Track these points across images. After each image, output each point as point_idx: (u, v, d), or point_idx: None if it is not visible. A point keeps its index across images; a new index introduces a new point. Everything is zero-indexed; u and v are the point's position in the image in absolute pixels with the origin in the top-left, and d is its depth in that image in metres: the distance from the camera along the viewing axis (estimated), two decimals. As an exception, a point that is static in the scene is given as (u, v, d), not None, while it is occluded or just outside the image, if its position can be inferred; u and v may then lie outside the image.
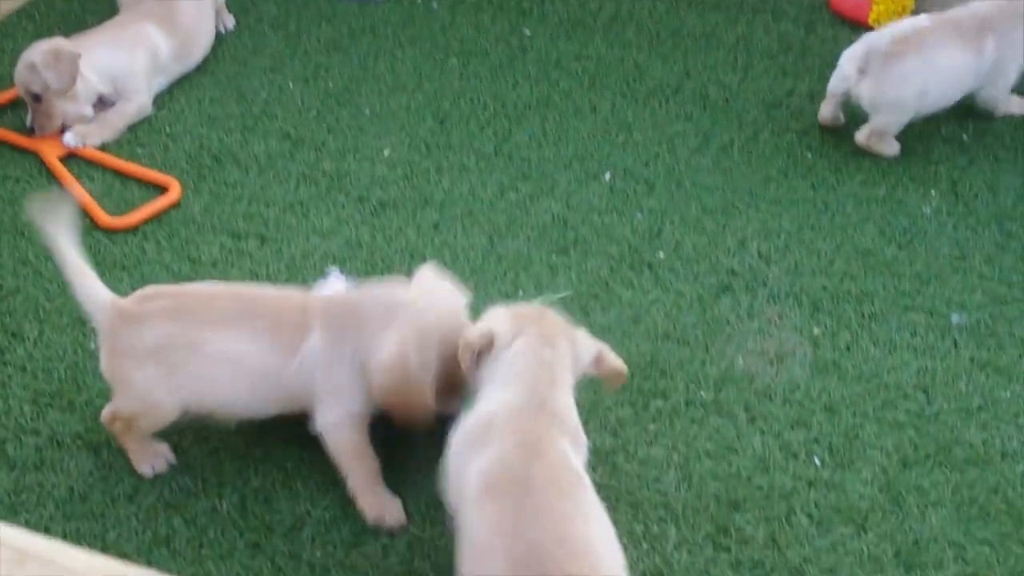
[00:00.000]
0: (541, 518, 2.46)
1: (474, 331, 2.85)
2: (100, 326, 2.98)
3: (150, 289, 3.08)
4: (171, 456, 3.12)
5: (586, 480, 2.63)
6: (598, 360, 2.89)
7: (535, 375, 2.73)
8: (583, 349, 2.88)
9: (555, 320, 2.89)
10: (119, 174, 4.11)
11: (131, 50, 4.35)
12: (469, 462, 2.61)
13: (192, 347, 2.95)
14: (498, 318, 2.88)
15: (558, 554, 2.40)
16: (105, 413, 3.05)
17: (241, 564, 2.89)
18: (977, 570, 2.88)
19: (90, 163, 4.16)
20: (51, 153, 4.15)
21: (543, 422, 2.65)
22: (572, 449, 2.66)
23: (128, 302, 2.98)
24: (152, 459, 3.09)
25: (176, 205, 3.95)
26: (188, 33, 4.52)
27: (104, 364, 3.00)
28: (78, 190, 3.98)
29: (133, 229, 3.85)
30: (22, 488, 3.06)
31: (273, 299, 3.08)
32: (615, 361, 2.91)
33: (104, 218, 3.86)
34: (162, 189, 3.97)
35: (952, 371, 3.40)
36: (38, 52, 4.14)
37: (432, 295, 3.04)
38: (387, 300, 3.00)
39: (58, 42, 4.20)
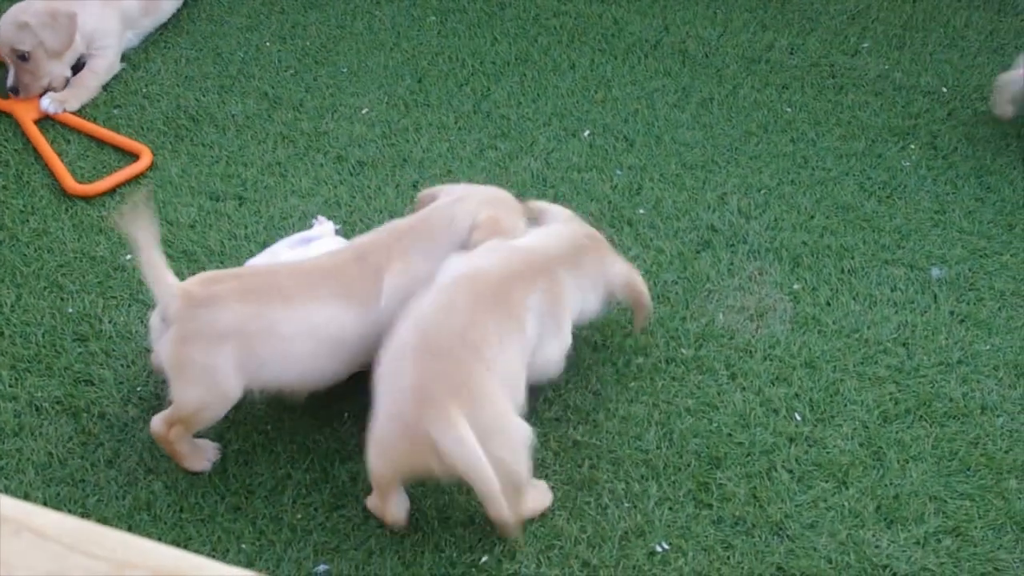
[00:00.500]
0: (462, 317, 2.77)
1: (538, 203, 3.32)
2: (169, 312, 2.83)
3: (211, 273, 3.00)
4: (217, 445, 3.06)
5: (528, 328, 2.87)
6: (628, 286, 3.15)
7: (559, 246, 3.05)
8: (614, 270, 3.14)
9: (599, 239, 3.19)
10: (93, 139, 4.07)
11: (103, 6, 4.31)
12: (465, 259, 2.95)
13: (270, 326, 2.88)
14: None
15: (455, 343, 2.71)
16: (159, 422, 2.92)
17: (222, 528, 2.89)
18: (958, 523, 2.89)
19: (65, 127, 4.12)
20: (26, 116, 4.11)
21: (539, 265, 2.96)
22: (540, 309, 2.91)
23: (195, 287, 2.87)
24: (204, 454, 3.03)
25: (145, 173, 3.91)
26: None
27: (170, 352, 2.86)
28: (50, 154, 3.95)
29: (107, 193, 3.82)
30: (3, 453, 3.05)
31: (328, 263, 3.05)
32: (641, 287, 3.17)
33: (72, 184, 3.81)
34: (134, 156, 3.93)
35: (932, 325, 3.39)
36: (32, 12, 4.09)
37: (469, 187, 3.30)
38: (440, 211, 3.13)
39: (51, 2, 4.14)
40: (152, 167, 3.92)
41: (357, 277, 3.00)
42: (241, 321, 2.85)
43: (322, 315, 2.93)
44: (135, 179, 3.88)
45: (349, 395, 3.16)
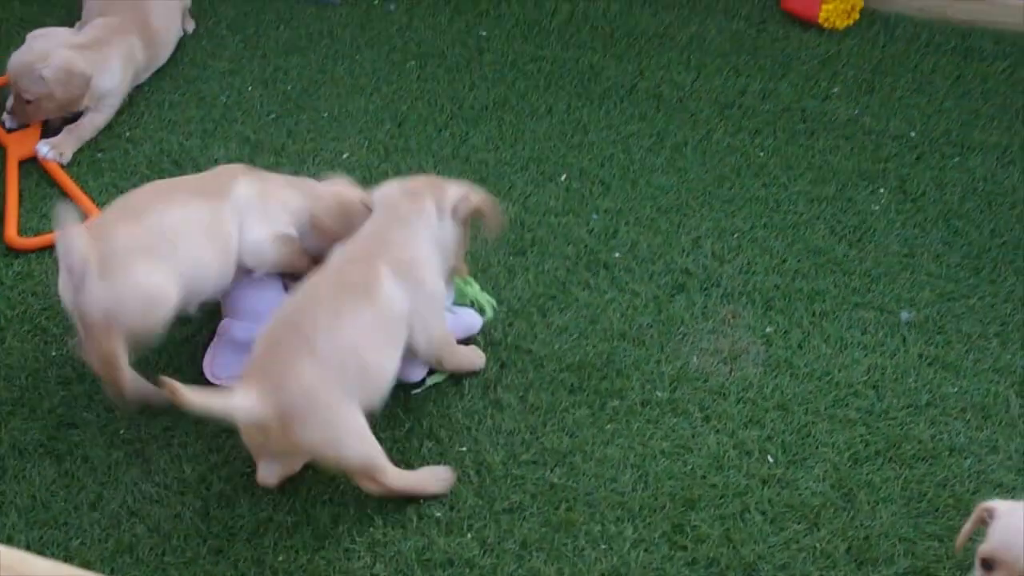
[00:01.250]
0: (296, 306, 3.01)
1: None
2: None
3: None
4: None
5: (381, 301, 3.01)
6: (463, 201, 3.22)
7: (384, 218, 3.19)
8: (447, 197, 3.22)
9: (429, 180, 3.31)
10: (64, 192, 4.02)
11: (123, 68, 4.31)
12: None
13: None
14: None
15: (303, 321, 2.92)
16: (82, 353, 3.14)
17: (204, 570, 2.89)
18: (927, 564, 2.91)
19: (46, 173, 4.12)
20: (15, 154, 4.12)
21: (372, 247, 3.11)
22: (394, 276, 3.05)
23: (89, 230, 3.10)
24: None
25: None
26: (160, 38, 4.50)
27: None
28: (12, 198, 3.95)
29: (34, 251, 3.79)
30: (-10, 496, 3.05)
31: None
32: (478, 199, 3.24)
33: (11, 233, 3.80)
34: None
35: (901, 368, 3.42)
36: (52, 67, 4.07)
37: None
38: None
39: (72, 59, 4.13)
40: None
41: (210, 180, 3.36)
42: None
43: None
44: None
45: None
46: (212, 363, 3.34)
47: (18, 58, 4.14)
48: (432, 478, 3.07)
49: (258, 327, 3.06)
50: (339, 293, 2.99)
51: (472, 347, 3.40)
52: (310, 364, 2.83)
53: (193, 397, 2.67)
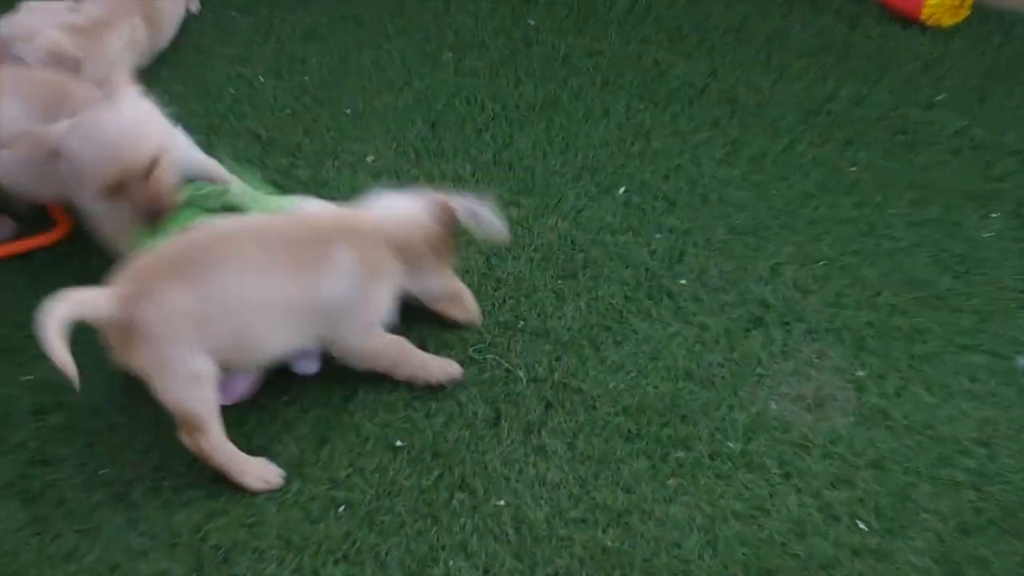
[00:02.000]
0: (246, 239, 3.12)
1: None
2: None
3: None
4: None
5: (314, 277, 3.13)
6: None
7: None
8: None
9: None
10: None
11: (123, 56, 4.33)
12: None
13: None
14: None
15: (216, 251, 3.05)
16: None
17: (196, 639, 2.85)
18: (1043, 654, 2.83)
19: None
20: None
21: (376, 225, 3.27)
22: (349, 267, 3.16)
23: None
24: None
25: (49, 247, 3.89)
26: (163, 17, 4.54)
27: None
28: None
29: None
30: (-56, 544, 3.02)
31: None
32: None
33: None
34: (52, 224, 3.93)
35: (1018, 422, 3.34)
36: (35, 49, 4.09)
37: None
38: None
39: (59, 42, 4.13)
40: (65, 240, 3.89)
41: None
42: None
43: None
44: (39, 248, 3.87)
45: (348, 479, 3.18)
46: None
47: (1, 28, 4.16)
48: (255, 472, 3.16)
49: None
50: (279, 249, 3.13)
51: (445, 359, 3.44)
52: (182, 295, 2.97)
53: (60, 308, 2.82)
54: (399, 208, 3.36)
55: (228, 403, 3.26)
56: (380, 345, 3.34)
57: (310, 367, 3.45)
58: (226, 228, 3.19)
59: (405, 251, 3.29)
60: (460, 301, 3.52)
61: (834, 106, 4.40)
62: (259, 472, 3.15)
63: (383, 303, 3.29)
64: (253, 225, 3.23)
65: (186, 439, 3.10)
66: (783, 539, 3.04)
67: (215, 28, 4.75)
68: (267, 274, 3.10)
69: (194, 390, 3.05)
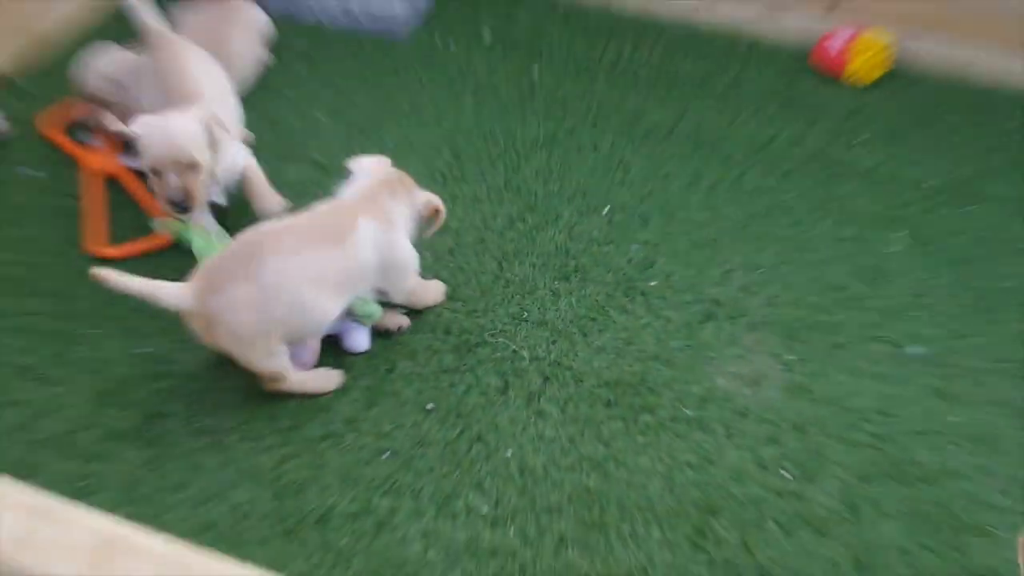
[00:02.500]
0: (282, 233, 3.30)
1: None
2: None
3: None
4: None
5: (349, 247, 3.34)
6: (429, 204, 3.63)
7: (375, 184, 3.52)
8: (419, 196, 3.61)
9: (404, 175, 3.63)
10: (141, 207, 4.14)
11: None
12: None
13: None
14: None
15: (262, 248, 3.23)
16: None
17: (276, 550, 3.05)
18: (921, 574, 3.07)
19: (122, 188, 4.22)
20: (94, 168, 4.23)
21: (360, 203, 3.44)
22: (373, 229, 3.39)
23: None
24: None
25: (164, 249, 3.96)
26: (236, 62, 4.58)
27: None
28: (96, 204, 4.08)
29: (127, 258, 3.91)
30: (88, 474, 3.21)
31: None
32: (438, 205, 3.63)
33: (90, 240, 3.95)
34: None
35: (908, 397, 3.55)
36: (110, 62, 4.26)
37: None
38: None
39: (125, 54, 4.26)
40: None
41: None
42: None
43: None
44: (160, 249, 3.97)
45: (391, 433, 3.39)
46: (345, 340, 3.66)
47: (84, 67, 4.31)
48: (327, 381, 3.51)
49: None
50: (309, 233, 3.31)
51: (436, 282, 3.75)
52: (244, 287, 3.17)
53: (129, 282, 3.06)
54: (375, 166, 3.62)
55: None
56: (419, 282, 3.65)
57: (362, 344, 3.63)
58: (268, 228, 3.33)
59: (395, 191, 3.53)
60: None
61: (776, 145, 4.56)
62: (330, 380, 3.49)
63: (407, 244, 3.53)
64: (288, 222, 3.37)
65: (271, 386, 3.38)
66: (725, 484, 3.28)
67: (284, 75, 4.84)
68: (305, 256, 3.27)
69: (267, 356, 3.29)
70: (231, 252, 3.25)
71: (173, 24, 4.64)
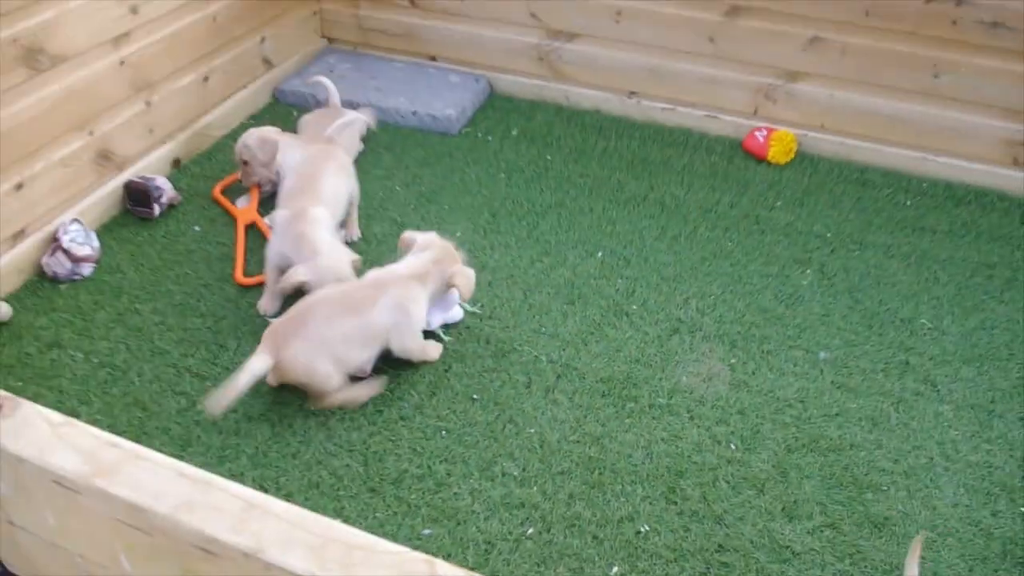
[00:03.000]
0: (323, 303, 3.18)
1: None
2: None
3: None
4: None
5: (367, 318, 3.18)
6: (456, 276, 3.36)
7: (411, 267, 3.34)
8: (452, 270, 3.36)
9: (448, 252, 3.43)
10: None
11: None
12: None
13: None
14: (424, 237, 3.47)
15: (309, 314, 3.14)
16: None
17: (364, 503, 2.93)
18: (834, 521, 2.92)
19: (260, 233, 4.08)
20: (242, 221, 4.12)
21: (386, 282, 3.28)
22: (387, 306, 3.21)
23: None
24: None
25: None
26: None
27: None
28: (240, 248, 3.95)
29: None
30: (227, 447, 3.10)
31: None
32: (464, 279, 3.37)
33: (239, 274, 3.82)
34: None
35: (819, 389, 3.40)
36: (254, 136, 4.13)
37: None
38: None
39: (267, 131, 4.17)
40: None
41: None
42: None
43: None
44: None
45: (447, 416, 3.22)
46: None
47: (239, 142, 4.20)
48: (365, 393, 3.25)
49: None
50: (341, 305, 3.16)
51: (434, 343, 3.46)
52: (301, 342, 3.07)
53: (236, 386, 2.95)
54: (418, 258, 3.38)
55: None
56: (419, 345, 3.36)
57: (457, 315, 3.58)
58: (316, 297, 3.21)
59: (424, 280, 3.31)
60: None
61: (719, 208, 4.39)
62: (367, 391, 3.25)
63: (418, 318, 3.31)
64: (330, 292, 3.23)
65: (320, 403, 3.19)
66: (688, 453, 3.12)
67: (371, 159, 4.70)
68: (343, 319, 3.14)
69: (327, 380, 3.14)
70: (289, 317, 3.15)
71: (298, 124, 4.55)
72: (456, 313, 3.64)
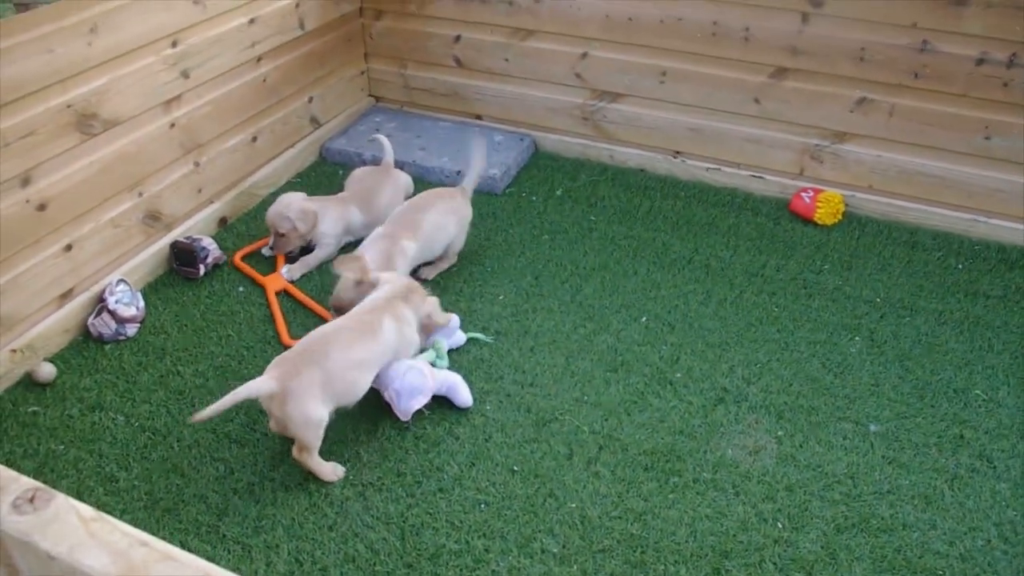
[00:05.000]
0: (339, 331, 3.17)
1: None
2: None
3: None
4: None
5: (381, 338, 3.21)
6: (430, 314, 3.44)
7: (393, 293, 3.38)
8: (424, 305, 3.44)
9: (413, 287, 3.47)
10: (308, 309, 4.02)
11: (336, 218, 4.31)
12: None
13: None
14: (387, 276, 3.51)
15: (326, 343, 3.10)
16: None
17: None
18: (887, 608, 2.76)
19: (292, 297, 4.10)
20: (271, 288, 4.10)
21: (384, 306, 3.31)
22: (393, 325, 3.26)
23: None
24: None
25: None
26: (381, 210, 4.39)
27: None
28: (277, 313, 3.93)
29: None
30: (263, 517, 3.04)
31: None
32: (437, 316, 3.47)
33: (285, 337, 3.79)
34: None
35: (869, 465, 3.27)
36: (295, 209, 4.16)
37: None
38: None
39: (305, 203, 4.21)
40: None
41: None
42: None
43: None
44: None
45: (486, 488, 3.12)
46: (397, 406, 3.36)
47: (274, 209, 4.23)
48: (332, 472, 3.15)
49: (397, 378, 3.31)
50: (356, 332, 3.14)
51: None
52: (317, 371, 3.00)
53: (225, 400, 2.87)
54: (399, 281, 3.47)
55: (405, 419, 3.33)
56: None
57: (467, 400, 3.47)
58: (325, 329, 3.20)
59: (409, 299, 3.38)
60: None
61: (765, 271, 4.30)
62: (332, 471, 3.16)
63: (415, 339, 3.36)
64: (338, 323, 3.23)
65: (298, 456, 3.10)
66: (734, 532, 3.00)
67: None
68: (352, 347, 3.11)
69: (318, 431, 3.05)
70: (300, 346, 3.12)
71: (346, 180, 4.56)
72: (459, 338, 3.72)
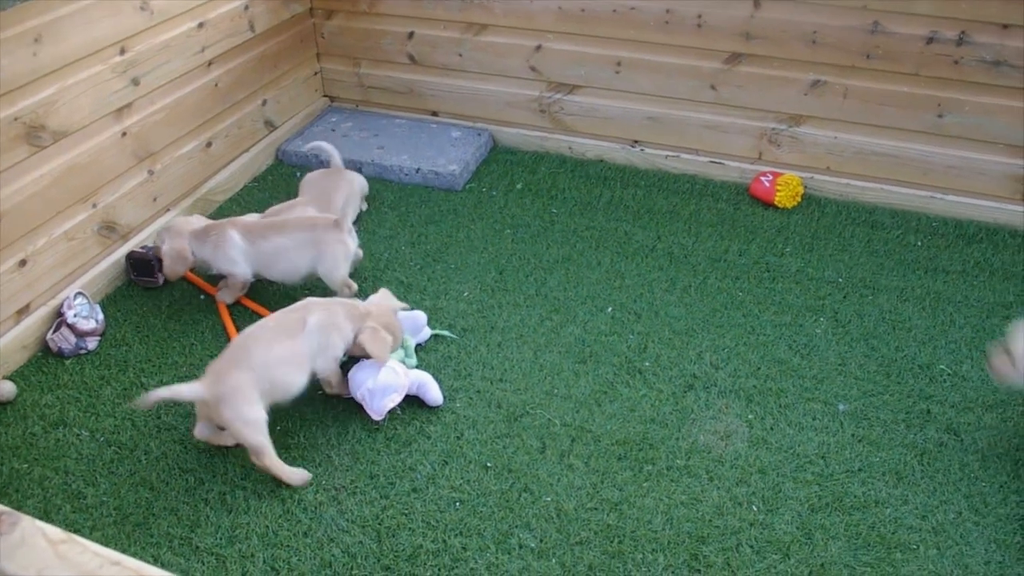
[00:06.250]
0: (262, 332, 3.16)
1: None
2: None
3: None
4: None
5: (301, 339, 3.17)
6: (362, 333, 3.32)
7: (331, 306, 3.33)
8: (363, 326, 3.32)
9: (353, 309, 3.37)
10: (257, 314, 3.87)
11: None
12: None
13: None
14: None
15: (251, 344, 3.09)
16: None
17: (379, 582, 2.81)
18: (863, 585, 2.78)
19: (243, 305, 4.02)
20: (223, 303, 4.02)
21: (311, 309, 3.27)
22: (315, 328, 3.21)
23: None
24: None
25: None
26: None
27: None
28: (228, 320, 3.90)
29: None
30: (236, 526, 3.00)
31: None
32: (368, 337, 3.31)
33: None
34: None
35: (840, 444, 3.30)
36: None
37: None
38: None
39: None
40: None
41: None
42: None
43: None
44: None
45: (461, 486, 3.10)
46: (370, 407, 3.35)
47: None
48: (296, 476, 3.12)
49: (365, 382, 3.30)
50: (279, 329, 3.15)
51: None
52: (244, 372, 3.00)
53: (160, 392, 2.91)
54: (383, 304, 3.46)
55: (378, 418, 3.31)
56: (334, 371, 3.33)
57: (438, 399, 3.44)
58: (252, 330, 3.18)
59: (353, 315, 3.32)
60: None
61: (728, 256, 4.32)
62: (298, 476, 3.12)
63: (338, 344, 3.29)
64: (264, 323, 3.22)
65: (256, 462, 3.07)
66: (710, 517, 3.02)
67: (376, 218, 4.65)
68: (279, 344, 3.11)
69: (260, 430, 3.03)
70: (230, 350, 3.11)
71: (300, 184, 4.50)
72: (425, 334, 3.73)
